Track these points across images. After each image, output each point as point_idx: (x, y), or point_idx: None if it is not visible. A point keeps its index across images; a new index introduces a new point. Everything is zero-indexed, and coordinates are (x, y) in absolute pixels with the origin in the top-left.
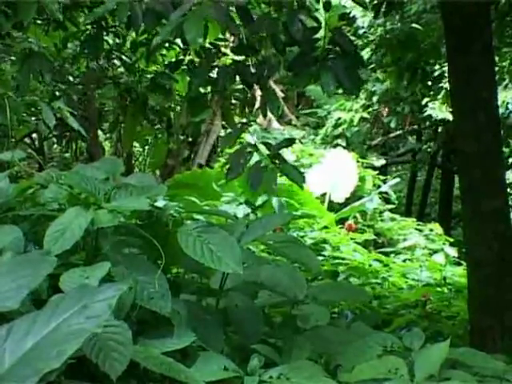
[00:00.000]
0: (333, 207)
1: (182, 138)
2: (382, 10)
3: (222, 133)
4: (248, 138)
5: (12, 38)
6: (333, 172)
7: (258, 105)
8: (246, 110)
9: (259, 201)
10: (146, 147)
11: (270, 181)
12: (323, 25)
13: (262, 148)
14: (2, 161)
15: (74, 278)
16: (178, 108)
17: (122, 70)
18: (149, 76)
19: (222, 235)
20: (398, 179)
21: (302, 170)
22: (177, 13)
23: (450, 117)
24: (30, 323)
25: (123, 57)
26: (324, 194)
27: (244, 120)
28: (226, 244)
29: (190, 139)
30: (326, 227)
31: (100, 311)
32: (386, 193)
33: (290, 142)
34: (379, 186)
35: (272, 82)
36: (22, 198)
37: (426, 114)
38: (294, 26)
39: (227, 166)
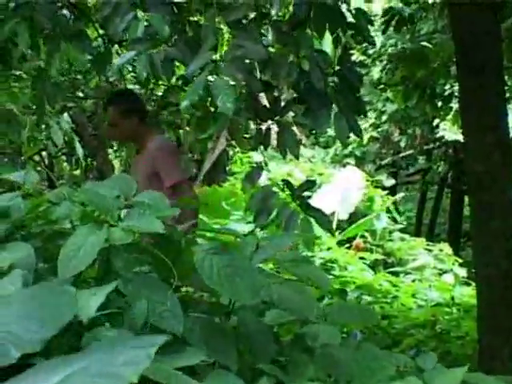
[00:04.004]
0: (341, 226)
1: (190, 155)
2: (391, 27)
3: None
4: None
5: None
6: (341, 190)
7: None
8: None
9: (272, 217)
10: None
11: (306, 231)
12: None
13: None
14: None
15: (83, 297)
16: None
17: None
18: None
19: (238, 260)
20: (402, 194)
21: (312, 189)
22: (196, 64)
23: (460, 137)
24: (58, 362)
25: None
26: (333, 213)
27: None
28: (243, 270)
29: (197, 157)
30: (330, 248)
31: (139, 358)
32: (391, 211)
33: (312, 184)
34: (389, 209)
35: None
36: (33, 215)
37: (438, 135)
38: (315, 76)
39: (253, 211)
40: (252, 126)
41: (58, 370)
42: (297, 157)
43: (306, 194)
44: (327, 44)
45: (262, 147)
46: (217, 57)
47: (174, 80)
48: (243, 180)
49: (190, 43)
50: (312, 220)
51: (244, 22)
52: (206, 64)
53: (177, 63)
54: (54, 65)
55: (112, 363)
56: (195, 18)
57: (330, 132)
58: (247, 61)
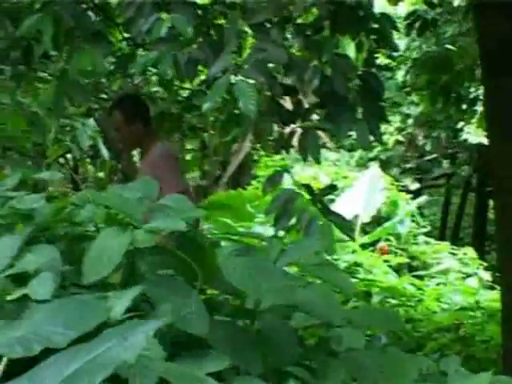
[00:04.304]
0: (365, 230)
1: (214, 158)
2: (415, 30)
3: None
4: (287, 181)
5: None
6: (364, 193)
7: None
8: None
9: (292, 221)
10: None
11: (326, 237)
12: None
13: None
14: (39, 180)
15: (108, 299)
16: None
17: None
18: (183, 90)
19: (262, 261)
20: (425, 196)
21: (336, 192)
22: (219, 66)
23: (485, 141)
24: (74, 353)
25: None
26: (356, 216)
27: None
28: (267, 271)
29: (222, 159)
30: (354, 251)
31: (137, 342)
32: (415, 215)
33: (332, 188)
34: (413, 212)
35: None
36: (57, 218)
37: (461, 138)
38: (337, 81)
39: (274, 215)
40: (276, 129)
41: (73, 361)
42: (318, 161)
43: (328, 197)
44: (351, 48)
45: (286, 151)
46: (239, 59)
47: (197, 82)
48: (264, 183)
49: (213, 45)
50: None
51: (268, 25)
52: (228, 67)
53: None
54: (74, 64)
55: (114, 351)
56: (219, 21)
57: (355, 135)
58: (269, 64)
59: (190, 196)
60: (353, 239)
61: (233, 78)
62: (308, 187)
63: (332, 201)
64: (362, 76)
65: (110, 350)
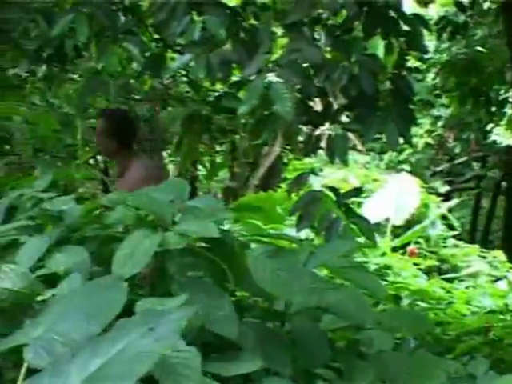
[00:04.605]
0: (395, 232)
1: (244, 160)
2: (446, 33)
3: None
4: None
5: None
6: (395, 196)
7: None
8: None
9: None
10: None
11: (345, 237)
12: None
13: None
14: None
15: (149, 306)
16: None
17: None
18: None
19: (291, 263)
20: (456, 200)
21: (365, 195)
22: (253, 67)
23: None
24: (95, 345)
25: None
26: (387, 219)
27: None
28: (297, 273)
29: (251, 161)
30: (384, 253)
31: (168, 334)
32: (447, 218)
33: (358, 191)
34: (443, 215)
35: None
36: (87, 220)
37: (490, 139)
38: (366, 81)
39: (298, 214)
40: (305, 131)
41: (97, 354)
42: (345, 163)
43: (358, 200)
44: (380, 50)
45: (314, 153)
46: (272, 60)
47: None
48: (289, 184)
49: (246, 46)
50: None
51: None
52: (263, 68)
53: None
54: (103, 62)
55: (144, 341)
56: (249, 22)
57: (385, 138)
58: (303, 64)
59: None
60: (375, 243)
61: (267, 79)
62: (333, 189)
63: (361, 203)
64: (392, 78)
65: (138, 342)
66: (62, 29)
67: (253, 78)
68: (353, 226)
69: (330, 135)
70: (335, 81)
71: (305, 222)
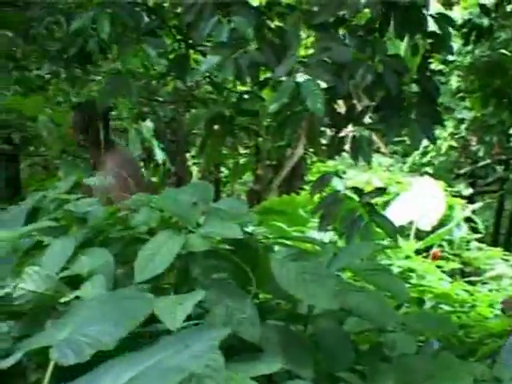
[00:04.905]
0: (419, 236)
1: (267, 162)
2: (472, 37)
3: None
4: (336, 182)
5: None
6: (420, 200)
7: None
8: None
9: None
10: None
11: (365, 237)
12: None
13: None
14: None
15: (167, 304)
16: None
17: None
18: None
19: (315, 266)
20: (480, 203)
21: (388, 198)
22: (283, 68)
23: None
24: (131, 357)
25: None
26: (411, 223)
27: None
28: (320, 276)
29: (274, 163)
30: (408, 256)
31: (202, 351)
32: (472, 220)
33: (381, 191)
34: (467, 218)
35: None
36: (112, 221)
37: None
38: (390, 81)
39: (319, 214)
40: (328, 133)
41: (131, 367)
42: (369, 163)
43: (379, 203)
44: (401, 52)
45: (338, 154)
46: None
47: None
48: (312, 185)
49: (273, 47)
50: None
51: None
52: (293, 69)
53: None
54: (124, 62)
55: (180, 357)
56: (275, 24)
57: (409, 141)
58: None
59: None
60: (396, 243)
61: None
62: (357, 189)
63: (386, 206)
64: (417, 79)
65: (173, 357)
66: (81, 24)
67: (282, 79)
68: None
69: (354, 136)
70: (359, 81)
71: (326, 222)
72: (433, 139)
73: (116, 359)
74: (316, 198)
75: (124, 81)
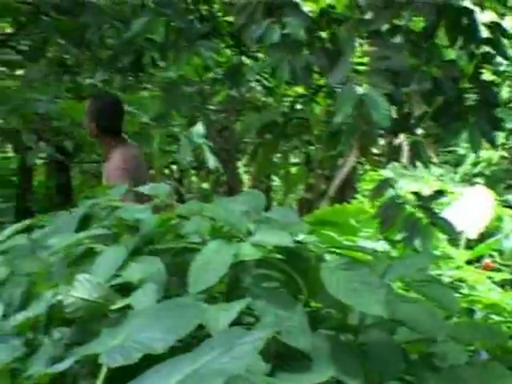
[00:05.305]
0: (469, 245)
1: (319, 171)
2: None
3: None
4: (393, 188)
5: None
6: (469, 209)
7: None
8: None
9: (398, 237)
10: (277, 180)
11: (426, 238)
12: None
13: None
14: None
15: (213, 310)
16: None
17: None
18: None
19: (366, 274)
20: None
21: (440, 208)
22: (338, 75)
23: None
24: (176, 361)
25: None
26: (461, 232)
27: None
28: (371, 285)
29: (326, 173)
30: (459, 266)
31: (245, 353)
32: None
33: (440, 194)
34: None
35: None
36: (163, 229)
37: None
38: (447, 85)
39: (379, 219)
40: (381, 142)
41: (178, 370)
42: (426, 165)
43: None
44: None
45: (395, 160)
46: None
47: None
48: (371, 191)
49: (327, 52)
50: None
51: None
52: (350, 76)
53: None
54: (178, 68)
55: (222, 360)
56: (328, 30)
57: (461, 151)
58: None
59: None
60: (457, 247)
61: (357, 87)
62: (416, 193)
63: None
64: (472, 86)
65: (215, 361)
66: (138, 29)
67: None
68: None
69: (412, 141)
70: (415, 85)
71: (386, 225)
72: (493, 141)
73: (163, 363)
74: (368, 206)
75: (182, 93)
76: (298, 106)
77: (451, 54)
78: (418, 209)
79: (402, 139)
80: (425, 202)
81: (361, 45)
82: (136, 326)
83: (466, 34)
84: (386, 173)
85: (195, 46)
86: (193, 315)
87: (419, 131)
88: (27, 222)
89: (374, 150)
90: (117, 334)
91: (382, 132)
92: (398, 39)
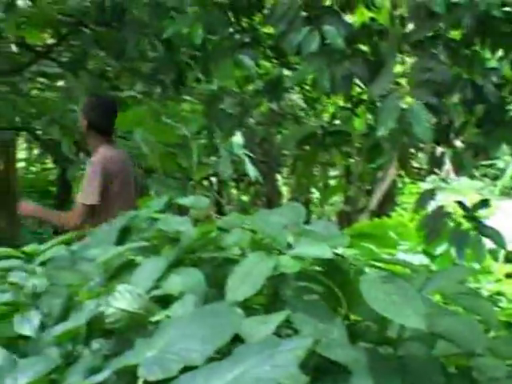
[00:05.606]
0: (509, 258)
1: (359, 184)
2: None
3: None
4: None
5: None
6: (509, 222)
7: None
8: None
9: (438, 250)
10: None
11: (478, 250)
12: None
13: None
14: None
15: (251, 322)
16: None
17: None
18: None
19: (405, 287)
20: None
21: (480, 221)
22: (380, 86)
23: None
24: (213, 369)
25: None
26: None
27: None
28: (410, 297)
29: (368, 187)
30: (498, 280)
31: (286, 361)
32: None
33: (486, 203)
34: None
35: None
36: (203, 241)
37: None
38: (492, 94)
39: (425, 230)
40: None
41: (211, 379)
42: (471, 177)
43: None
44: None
45: (439, 168)
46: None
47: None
48: (415, 203)
49: (367, 62)
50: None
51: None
52: (393, 88)
53: None
54: (221, 75)
55: (262, 368)
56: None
57: (500, 164)
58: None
59: (105, 213)
60: (496, 258)
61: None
62: (460, 202)
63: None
64: None
65: (256, 368)
66: (176, 30)
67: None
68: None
69: (454, 152)
70: (457, 93)
71: (431, 237)
72: None
73: (199, 370)
74: (407, 219)
75: (219, 104)
76: (338, 119)
77: (492, 61)
78: (464, 219)
79: (442, 151)
80: (470, 212)
81: (401, 56)
82: (173, 336)
83: (507, 41)
84: (426, 186)
85: (235, 54)
86: (230, 323)
87: (458, 143)
88: (69, 234)
89: (414, 164)
90: (153, 344)
91: (421, 145)
92: (438, 48)
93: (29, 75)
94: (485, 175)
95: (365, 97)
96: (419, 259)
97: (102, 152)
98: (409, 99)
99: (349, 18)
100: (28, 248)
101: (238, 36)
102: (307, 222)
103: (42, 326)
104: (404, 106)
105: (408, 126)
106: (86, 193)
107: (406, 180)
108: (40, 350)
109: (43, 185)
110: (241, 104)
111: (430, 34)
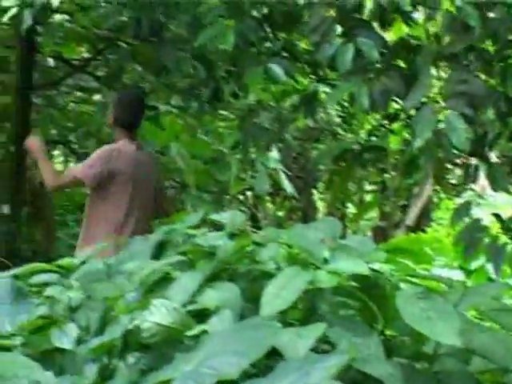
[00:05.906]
0: None
1: (394, 200)
2: None
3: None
4: (476, 211)
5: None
6: None
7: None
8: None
9: (473, 265)
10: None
11: None
12: None
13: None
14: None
15: (289, 336)
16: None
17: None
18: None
19: (441, 303)
20: None
21: None
22: (414, 98)
23: None
24: None
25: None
26: None
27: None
28: (445, 314)
29: (404, 202)
30: None
31: (321, 379)
32: None
33: None
34: None
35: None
36: (239, 256)
37: None
38: None
39: (461, 244)
40: (456, 171)
41: None
42: (507, 190)
43: None
44: None
45: (473, 182)
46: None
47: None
48: (452, 215)
49: (404, 76)
50: None
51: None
52: (426, 100)
53: None
54: (252, 83)
55: None
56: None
57: None
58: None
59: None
60: None
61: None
62: (497, 216)
63: None
64: None
65: None
66: (208, 37)
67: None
68: None
69: (491, 163)
70: (490, 105)
71: (469, 251)
72: None
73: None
74: (443, 234)
75: (255, 119)
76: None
77: None
78: (502, 232)
79: (476, 164)
80: (507, 224)
81: (436, 70)
82: (209, 351)
83: None
84: (461, 201)
85: (265, 63)
86: (265, 336)
87: (494, 158)
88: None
89: (450, 179)
90: (190, 359)
91: (457, 161)
92: (472, 61)
93: (65, 89)
94: None
95: (401, 113)
96: (455, 274)
97: (118, 145)
98: (444, 111)
99: (383, 33)
100: (64, 262)
101: (269, 45)
102: (343, 237)
103: (79, 340)
104: (440, 118)
105: (444, 138)
106: (84, 168)
107: (442, 195)
108: (76, 363)
109: (79, 198)
110: (277, 119)
111: (464, 47)
